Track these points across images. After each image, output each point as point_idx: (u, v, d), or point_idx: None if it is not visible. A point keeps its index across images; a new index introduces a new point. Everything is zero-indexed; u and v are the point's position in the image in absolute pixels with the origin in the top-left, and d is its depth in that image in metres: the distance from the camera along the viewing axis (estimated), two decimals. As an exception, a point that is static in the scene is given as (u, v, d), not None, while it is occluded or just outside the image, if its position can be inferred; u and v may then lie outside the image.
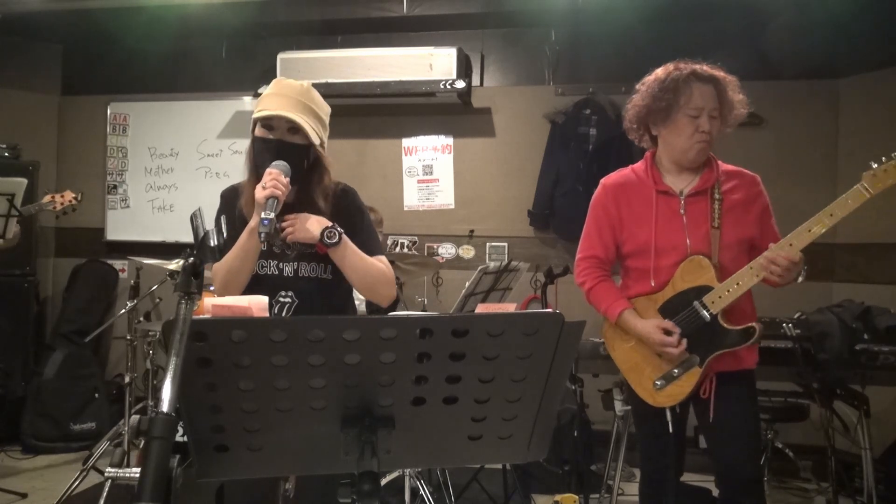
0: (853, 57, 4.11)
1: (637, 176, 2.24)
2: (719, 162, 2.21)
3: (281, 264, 1.91)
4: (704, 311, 2.10)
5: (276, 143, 1.86)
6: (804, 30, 4.02)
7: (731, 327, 2.10)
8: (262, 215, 1.66)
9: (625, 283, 2.29)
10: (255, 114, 1.89)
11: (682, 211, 2.15)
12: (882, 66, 4.02)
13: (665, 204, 2.16)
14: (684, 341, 2.09)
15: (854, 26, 3.92)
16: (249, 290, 1.89)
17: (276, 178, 1.74)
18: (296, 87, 1.90)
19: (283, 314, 1.89)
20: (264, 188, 1.73)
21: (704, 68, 2.11)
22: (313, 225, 1.83)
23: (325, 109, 1.96)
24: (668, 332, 2.10)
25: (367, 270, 1.88)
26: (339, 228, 1.83)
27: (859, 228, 4.02)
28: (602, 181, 2.30)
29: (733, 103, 2.10)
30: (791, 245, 2.01)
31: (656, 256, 2.14)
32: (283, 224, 1.82)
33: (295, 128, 1.85)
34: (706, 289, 2.10)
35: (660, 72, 2.17)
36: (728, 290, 2.08)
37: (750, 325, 2.09)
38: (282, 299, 1.90)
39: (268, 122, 1.87)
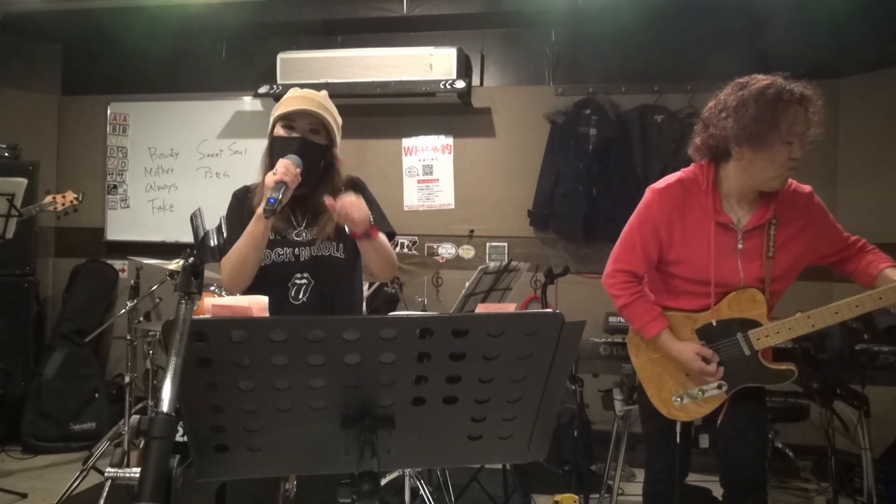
0: (853, 57, 4.11)
1: (695, 197, 2.07)
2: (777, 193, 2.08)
3: (296, 250, 1.97)
4: (746, 346, 2.07)
5: (299, 140, 1.93)
6: (804, 30, 4.02)
7: (769, 366, 2.08)
8: (269, 195, 1.72)
9: (664, 291, 2.19)
10: (277, 112, 1.96)
11: (738, 246, 2.04)
12: (882, 66, 4.02)
13: (723, 237, 2.04)
14: (721, 370, 2.06)
15: (854, 26, 3.92)
16: (265, 276, 1.94)
17: (287, 166, 1.80)
18: (315, 93, 2.00)
19: (300, 295, 1.95)
20: (275, 174, 1.79)
21: (806, 90, 1.98)
22: (364, 208, 1.86)
23: (337, 115, 2.05)
24: (705, 359, 2.06)
25: (387, 255, 1.98)
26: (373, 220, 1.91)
27: (859, 229, 4.00)
28: (657, 190, 2.10)
29: (812, 125, 1.99)
30: (857, 306, 1.96)
31: (706, 286, 2.07)
32: (336, 205, 1.82)
33: (315, 128, 1.95)
34: (753, 323, 2.06)
35: (761, 84, 1.97)
36: (778, 332, 2.04)
37: (789, 367, 2.07)
38: (297, 281, 1.96)
39: (290, 122, 1.95)
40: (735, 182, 2.04)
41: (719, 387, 2.08)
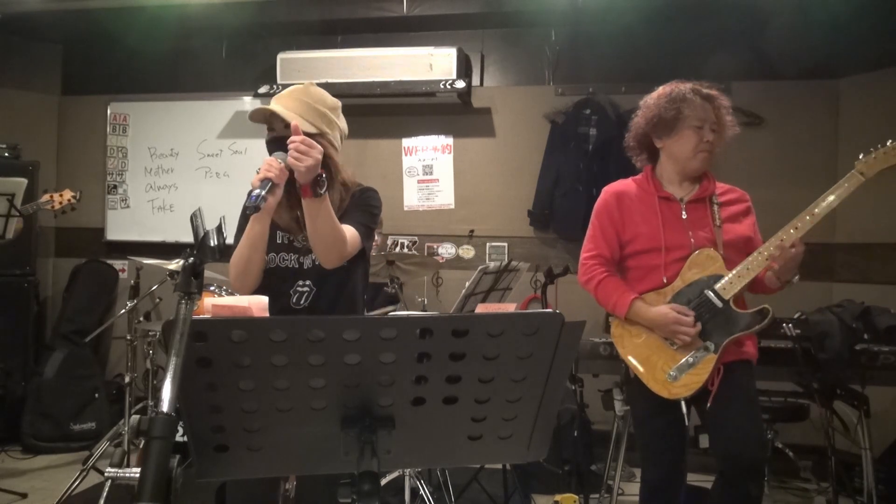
0: (853, 57, 4.11)
1: (638, 185, 2.33)
2: (714, 179, 2.32)
3: (301, 258, 1.97)
4: (717, 299, 2.15)
5: (276, 137, 1.92)
6: (804, 30, 4.02)
7: (744, 311, 2.16)
8: (252, 191, 1.68)
9: (627, 280, 2.31)
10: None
11: (683, 215, 2.24)
12: (882, 66, 4.02)
13: (667, 208, 2.26)
14: (699, 323, 2.14)
15: (854, 26, 3.92)
16: (269, 280, 1.94)
17: (270, 162, 1.78)
18: (293, 88, 1.97)
19: (302, 302, 1.96)
20: (258, 172, 1.78)
21: (702, 87, 2.24)
22: (313, 165, 1.75)
23: (326, 103, 1.99)
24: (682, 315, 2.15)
25: (330, 231, 1.85)
26: (325, 178, 1.80)
27: (859, 228, 4.02)
28: (605, 189, 2.37)
29: (726, 124, 2.24)
30: (796, 228, 2.12)
31: (665, 253, 2.21)
32: (298, 140, 1.75)
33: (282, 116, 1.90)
34: (717, 277, 2.17)
35: (662, 89, 2.28)
36: (739, 276, 2.15)
37: (763, 306, 2.14)
38: (300, 288, 1.96)
39: (269, 124, 1.95)
40: (667, 169, 2.31)
41: (706, 348, 2.14)
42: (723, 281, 2.15)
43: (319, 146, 1.78)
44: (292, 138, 1.75)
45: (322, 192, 1.79)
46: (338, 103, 2.03)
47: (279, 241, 1.98)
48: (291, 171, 1.81)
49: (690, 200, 2.26)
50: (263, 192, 1.68)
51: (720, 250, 2.18)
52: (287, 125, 1.88)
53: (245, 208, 1.66)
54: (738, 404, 2.13)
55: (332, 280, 1.98)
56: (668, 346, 2.18)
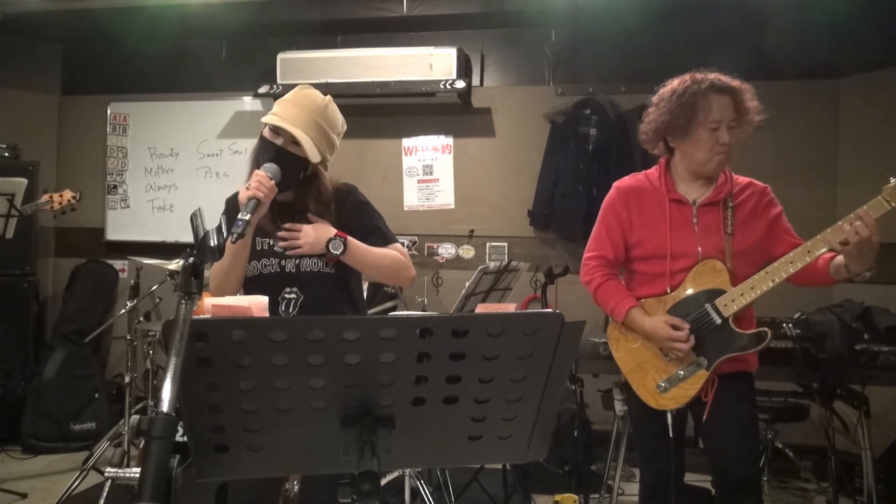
0: (853, 57, 4.11)
1: (650, 182, 2.23)
2: (732, 173, 2.21)
3: (282, 262, 1.94)
4: (716, 314, 2.09)
5: (278, 149, 1.90)
6: (804, 30, 4.02)
7: (742, 331, 2.09)
8: (239, 216, 1.68)
9: (631, 286, 2.26)
10: (265, 117, 1.93)
11: (694, 220, 2.14)
12: (882, 66, 4.02)
13: (678, 212, 2.16)
14: (692, 337, 2.08)
15: (854, 26, 3.92)
16: (253, 289, 1.93)
17: (261, 179, 1.79)
18: (314, 101, 1.94)
19: (290, 310, 1.92)
20: (248, 189, 1.78)
21: (722, 79, 2.09)
22: (319, 236, 1.88)
23: (336, 128, 1.99)
24: (676, 329, 2.09)
25: (381, 264, 1.95)
26: (341, 236, 1.87)
27: (859, 228, 4.01)
28: (615, 184, 2.29)
29: (750, 111, 2.09)
30: (808, 252, 2.02)
31: (670, 261, 2.14)
32: (285, 235, 1.90)
33: (299, 140, 1.89)
34: (719, 292, 2.10)
35: (676, 84, 2.14)
36: (742, 294, 2.07)
37: (762, 329, 2.08)
38: (287, 295, 1.93)
39: (276, 127, 1.92)
40: (680, 168, 2.21)
41: (699, 364, 2.10)
42: (724, 297, 2.09)
43: (308, 227, 1.90)
44: (292, 242, 1.88)
45: (340, 252, 1.86)
46: (345, 126, 2.04)
47: (258, 248, 1.95)
48: (278, 185, 1.83)
49: (703, 203, 2.14)
50: (248, 216, 1.68)
51: (728, 261, 2.10)
52: (295, 141, 1.88)
53: (231, 234, 1.61)
54: (731, 419, 2.11)
55: (318, 288, 1.94)
56: (662, 357, 2.15)
